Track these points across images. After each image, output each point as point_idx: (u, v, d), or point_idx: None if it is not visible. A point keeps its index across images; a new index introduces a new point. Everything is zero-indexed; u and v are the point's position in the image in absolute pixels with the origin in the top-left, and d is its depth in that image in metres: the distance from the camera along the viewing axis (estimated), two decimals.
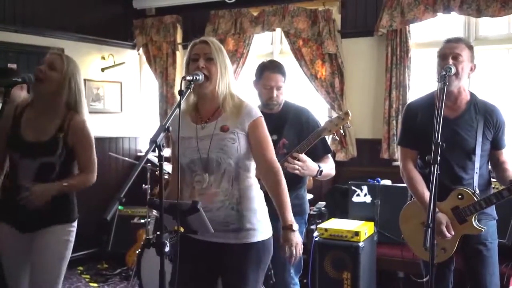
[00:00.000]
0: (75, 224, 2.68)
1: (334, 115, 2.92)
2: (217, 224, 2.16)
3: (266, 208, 2.35)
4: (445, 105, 2.58)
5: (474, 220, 2.67)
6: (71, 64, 2.61)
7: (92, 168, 2.67)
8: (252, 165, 2.32)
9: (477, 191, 2.69)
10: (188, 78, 2.10)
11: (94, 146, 2.67)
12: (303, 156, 2.78)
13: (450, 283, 2.90)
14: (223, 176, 2.23)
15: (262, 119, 2.31)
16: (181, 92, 2.02)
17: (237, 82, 2.39)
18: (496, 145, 2.77)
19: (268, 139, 2.30)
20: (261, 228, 2.27)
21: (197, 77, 2.14)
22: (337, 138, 2.99)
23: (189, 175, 2.29)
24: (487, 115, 2.72)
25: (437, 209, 2.57)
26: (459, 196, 2.68)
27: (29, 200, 2.45)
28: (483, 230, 2.67)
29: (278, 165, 2.30)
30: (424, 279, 2.88)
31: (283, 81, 2.98)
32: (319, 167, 2.85)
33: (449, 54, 2.68)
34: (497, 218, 2.85)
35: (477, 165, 2.69)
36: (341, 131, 2.92)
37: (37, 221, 2.55)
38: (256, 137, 2.25)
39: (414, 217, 2.85)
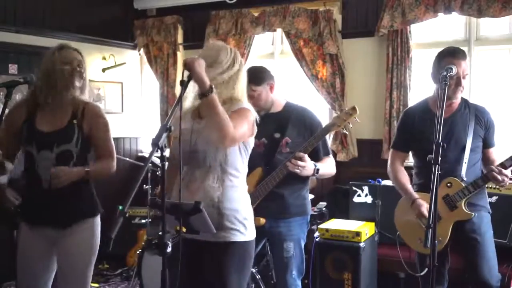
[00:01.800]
0: (98, 220, 2.64)
1: (335, 115, 2.94)
2: None
3: (251, 212, 2.34)
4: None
5: (464, 206, 2.85)
6: (82, 55, 2.64)
7: (112, 153, 2.63)
8: (241, 167, 2.31)
9: (465, 179, 2.85)
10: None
11: (110, 131, 2.64)
12: (306, 156, 2.79)
13: (446, 281, 2.99)
14: (208, 171, 2.23)
15: (249, 111, 2.26)
16: (182, 82, 2.02)
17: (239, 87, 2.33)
18: (486, 143, 2.97)
19: (240, 119, 2.20)
20: (242, 229, 2.25)
21: None
22: (346, 132, 3.03)
23: (183, 168, 2.28)
24: (477, 114, 2.95)
25: (417, 196, 2.87)
26: (448, 184, 2.87)
27: (51, 182, 2.41)
28: (473, 214, 2.83)
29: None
30: (421, 274, 2.93)
31: (256, 88, 2.91)
32: (315, 165, 2.86)
33: (461, 76, 2.83)
34: (490, 211, 2.99)
35: (466, 158, 2.87)
36: (350, 125, 2.95)
37: (63, 215, 2.52)
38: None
39: (407, 212, 2.97)
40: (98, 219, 2.65)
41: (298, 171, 2.78)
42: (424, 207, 2.81)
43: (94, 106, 2.62)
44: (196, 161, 2.25)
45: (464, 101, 2.99)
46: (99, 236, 2.65)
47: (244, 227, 2.26)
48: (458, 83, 2.84)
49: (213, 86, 2.09)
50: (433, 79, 2.95)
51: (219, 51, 2.27)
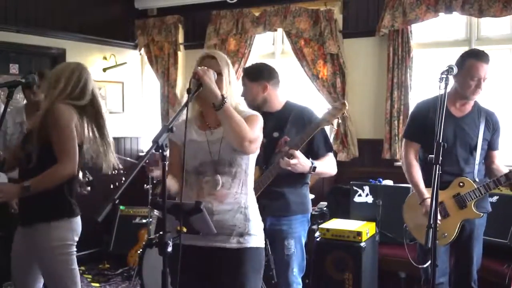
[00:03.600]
0: (70, 224, 2.58)
1: (325, 111, 2.93)
2: (223, 227, 2.17)
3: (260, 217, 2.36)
4: (454, 106, 2.99)
5: (474, 205, 2.92)
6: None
7: (63, 158, 2.48)
8: (252, 174, 2.33)
9: (477, 180, 2.97)
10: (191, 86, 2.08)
11: (69, 134, 2.50)
12: (297, 153, 2.77)
13: (447, 272, 3.08)
14: (234, 178, 2.23)
15: (258, 116, 2.29)
16: (189, 91, 2.01)
17: (238, 94, 2.41)
18: (491, 146, 3.04)
19: (252, 125, 2.21)
20: (260, 235, 2.29)
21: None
22: (335, 127, 3.04)
23: (195, 178, 2.27)
24: (487, 117, 3.03)
25: (428, 195, 2.89)
26: (460, 184, 2.94)
27: None
28: (481, 215, 2.93)
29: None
30: (423, 266, 2.99)
31: (247, 83, 3.02)
32: (312, 163, 2.84)
33: (482, 78, 2.88)
34: (490, 210, 3.10)
35: (477, 159, 2.96)
36: (339, 120, 2.97)
37: (28, 214, 2.56)
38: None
39: (416, 206, 3.02)
40: (64, 222, 2.57)
41: (290, 168, 2.76)
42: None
43: (53, 107, 2.52)
44: (219, 169, 2.23)
45: (477, 104, 3.05)
46: (72, 237, 2.59)
47: (262, 231, 2.30)
48: (478, 85, 2.89)
49: (224, 95, 2.09)
50: (454, 77, 2.97)
51: (225, 62, 2.27)
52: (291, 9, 4.99)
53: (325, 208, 4.55)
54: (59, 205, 2.57)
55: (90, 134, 2.65)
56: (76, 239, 2.62)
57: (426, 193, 2.92)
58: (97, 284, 4.84)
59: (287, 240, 2.96)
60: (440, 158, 2.32)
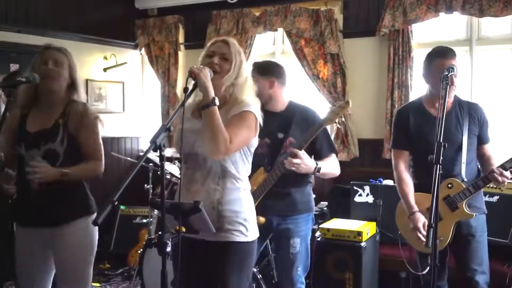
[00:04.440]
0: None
1: (329, 110, 2.93)
2: None
3: (253, 213, 2.31)
4: (434, 108, 2.89)
5: (465, 206, 2.84)
6: (71, 55, 2.63)
7: (98, 155, 2.59)
8: (242, 168, 2.28)
9: (465, 179, 2.85)
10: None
11: (99, 132, 2.60)
12: (301, 153, 2.76)
13: (446, 275, 3.02)
14: (209, 173, 2.21)
15: (252, 114, 2.20)
16: (186, 90, 2.00)
17: (253, 93, 2.31)
18: (480, 140, 2.96)
19: (240, 125, 2.17)
20: (242, 230, 2.23)
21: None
22: (339, 126, 3.02)
23: (186, 168, 2.30)
24: (471, 112, 2.93)
25: (417, 208, 2.83)
26: (449, 186, 2.86)
27: (33, 175, 2.40)
28: (474, 215, 2.84)
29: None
30: (423, 272, 2.94)
31: (256, 77, 2.88)
32: (317, 164, 2.84)
33: (454, 75, 2.76)
34: (486, 212, 3.00)
35: (464, 157, 2.87)
36: (342, 118, 2.95)
37: (54, 215, 2.52)
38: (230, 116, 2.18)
39: (406, 213, 2.94)
40: (88, 223, 2.60)
41: (294, 168, 2.75)
42: (421, 223, 2.80)
43: (79, 104, 2.59)
44: (197, 163, 2.23)
45: (457, 99, 2.98)
46: (96, 235, 2.64)
47: (244, 228, 2.24)
48: (451, 83, 2.77)
49: (216, 97, 2.05)
50: (425, 79, 2.98)
51: (237, 50, 2.24)
52: (292, 9, 4.99)
53: (325, 208, 4.55)
54: (88, 202, 2.64)
55: None
56: None
57: (415, 206, 2.86)
58: (98, 284, 4.84)
59: (293, 238, 2.97)
60: (441, 158, 2.29)
